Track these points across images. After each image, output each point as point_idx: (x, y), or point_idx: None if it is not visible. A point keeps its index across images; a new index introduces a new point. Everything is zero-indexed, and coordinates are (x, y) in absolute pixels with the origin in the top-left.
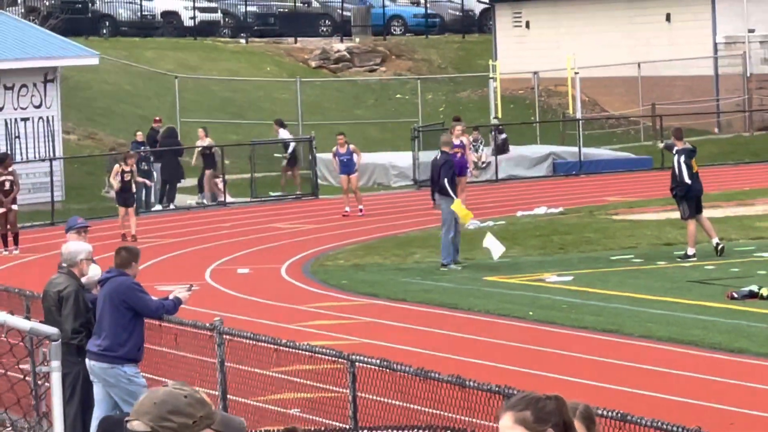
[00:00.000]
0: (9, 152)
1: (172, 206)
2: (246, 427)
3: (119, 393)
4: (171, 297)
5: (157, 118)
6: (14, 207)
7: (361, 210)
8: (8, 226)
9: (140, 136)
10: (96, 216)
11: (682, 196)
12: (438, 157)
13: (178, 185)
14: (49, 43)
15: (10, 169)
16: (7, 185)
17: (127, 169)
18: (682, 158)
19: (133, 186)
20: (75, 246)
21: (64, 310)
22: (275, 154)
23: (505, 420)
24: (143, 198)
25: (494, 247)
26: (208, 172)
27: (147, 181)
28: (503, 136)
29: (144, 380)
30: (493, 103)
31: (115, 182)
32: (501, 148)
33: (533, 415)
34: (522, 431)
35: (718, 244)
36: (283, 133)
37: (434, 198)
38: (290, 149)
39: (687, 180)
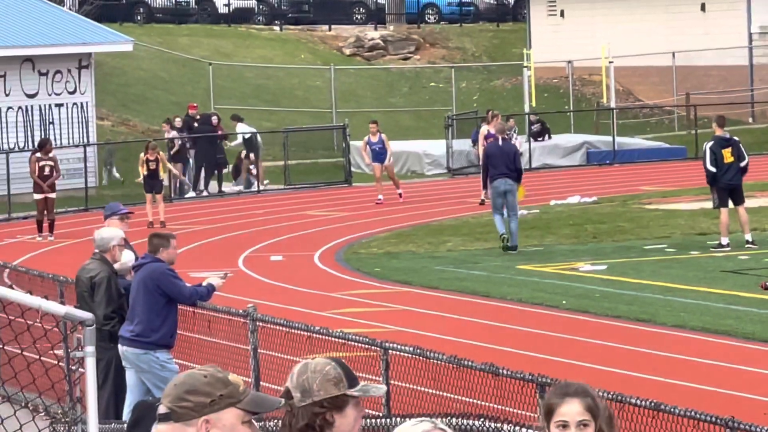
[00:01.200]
0: (46, 137)
1: (205, 193)
2: (281, 406)
3: (151, 379)
4: (205, 284)
5: (193, 105)
6: (52, 195)
7: (400, 195)
8: (45, 212)
9: (178, 122)
10: (130, 202)
11: (711, 184)
12: (503, 144)
13: (224, 171)
14: (84, 29)
15: (50, 154)
16: (47, 170)
17: (152, 158)
18: (710, 145)
19: (161, 173)
20: (108, 232)
21: (96, 296)
22: (228, 144)
23: (573, 406)
24: (177, 185)
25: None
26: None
27: (173, 169)
28: (538, 125)
29: (176, 366)
30: (527, 92)
31: (142, 170)
32: (537, 136)
33: (594, 402)
34: (590, 418)
35: (748, 241)
36: (241, 127)
37: (491, 183)
38: (239, 140)
39: (709, 167)
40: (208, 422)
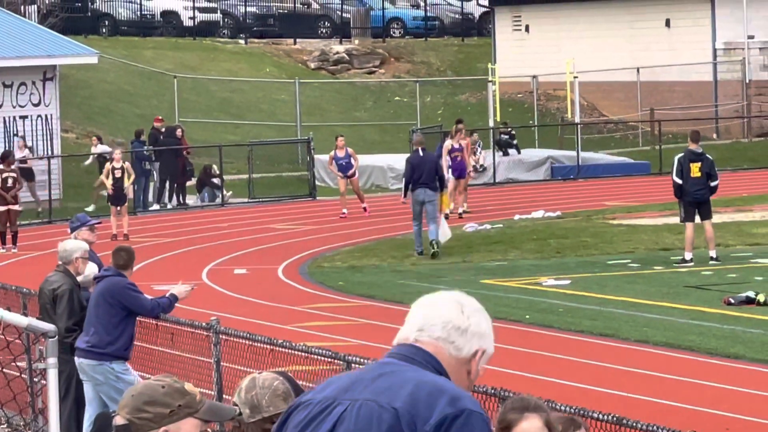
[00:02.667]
0: (8, 150)
1: (169, 206)
2: (237, 415)
3: (107, 391)
4: (168, 294)
5: (159, 118)
6: (17, 207)
7: (365, 209)
8: (8, 224)
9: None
10: (93, 214)
11: (678, 197)
12: (424, 155)
13: (188, 184)
14: (49, 41)
15: (12, 166)
16: (10, 182)
17: (117, 165)
18: (679, 156)
19: (125, 184)
20: (71, 244)
21: (58, 308)
22: (83, 163)
23: (534, 422)
24: (141, 198)
25: (444, 231)
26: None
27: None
28: (508, 136)
29: (134, 377)
30: (492, 106)
31: (108, 181)
32: (507, 146)
33: (549, 417)
34: None
35: (712, 257)
36: (101, 148)
37: (412, 192)
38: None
39: (675, 178)
40: None
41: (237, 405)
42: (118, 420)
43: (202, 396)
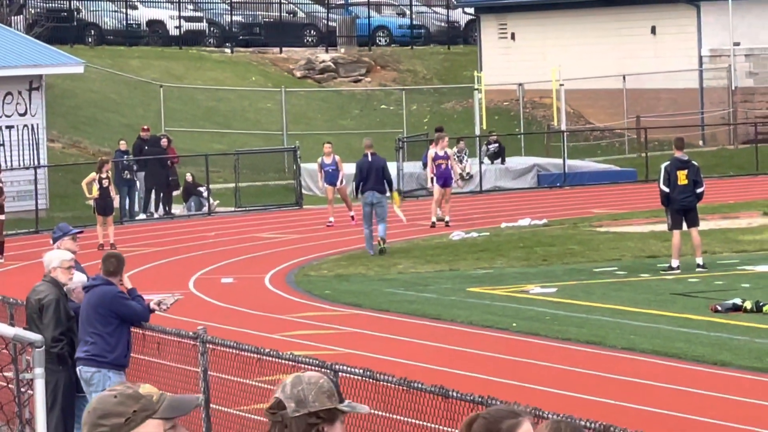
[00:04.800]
0: None
1: (155, 215)
2: (200, 403)
3: None
4: (152, 305)
5: (145, 127)
6: (1, 216)
7: (352, 217)
8: None
9: (123, 145)
10: (80, 224)
11: (665, 205)
12: (372, 159)
13: (174, 194)
14: (35, 51)
15: None
16: None
17: (104, 176)
18: (665, 165)
19: (112, 193)
20: (49, 254)
21: (45, 318)
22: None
23: (528, 426)
24: (127, 207)
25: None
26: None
27: (113, 193)
28: (496, 145)
29: None
30: (478, 114)
31: (94, 190)
32: (494, 157)
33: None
34: None
35: (699, 265)
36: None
37: (361, 194)
38: None
39: (662, 187)
40: None
41: (281, 400)
42: None
43: (162, 394)
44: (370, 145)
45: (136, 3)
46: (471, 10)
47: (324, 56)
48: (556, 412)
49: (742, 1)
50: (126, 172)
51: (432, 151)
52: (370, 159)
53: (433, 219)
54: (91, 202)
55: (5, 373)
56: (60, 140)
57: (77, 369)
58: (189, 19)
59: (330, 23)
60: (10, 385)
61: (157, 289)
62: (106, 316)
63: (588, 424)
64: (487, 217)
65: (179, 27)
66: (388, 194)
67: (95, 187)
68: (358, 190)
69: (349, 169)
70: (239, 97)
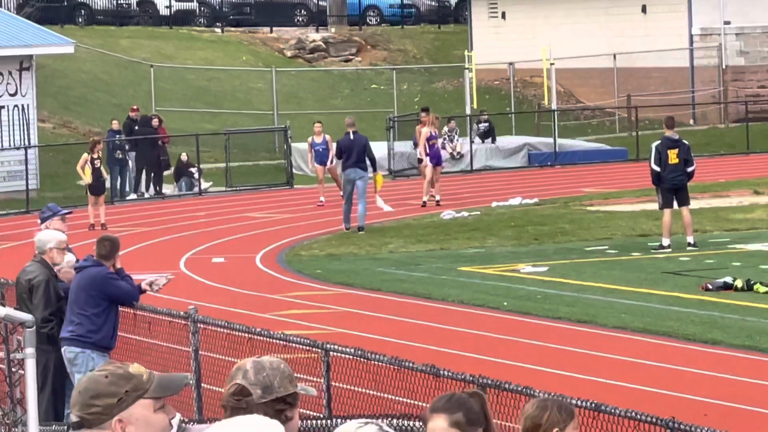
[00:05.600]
0: None
1: (146, 195)
2: (189, 382)
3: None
4: (143, 285)
5: (135, 107)
6: None
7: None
8: None
9: (116, 125)
10: (71, 204)
11: (656, 184)
12: (354, 137)
13: (165, 173)
14: (25, 31)
15: None
16: None
17: (96, 156)
18: (656, 144)
19: (103, 173)
20: (45, 235)
21: (35, 298)
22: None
23: (438, 422)
24: (118, 187)
25: (383, 205)
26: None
27: (105, 174)
28: (486, 124)
29: None
30: (469, 93)
31: (87, 171)
32: (485, 136)
33: (465, 416)
34: None
35: (689, 244)
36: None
37: (343, 172)
38: None
39: (653, 166)
40: (121, 421)
41: (244, 386)
42: (72, 418)
43: (151, 373)
44: (351, 123)
45: None
46: None
47: (314, 36)
48: (547, 391)
49: None
50: (118, 151)
51: (426, 130)
52: (351, 137)
53: (424, 198)
54: (83, 183)
55: None
56: (50, 120)
57: (61, 349)
58: None
59: (320, 3)
60: (0, 365)
61: (148, 268)
62: (96, 298)
63: (579, 403)
64: (478, 196)
65: (169, 7)
66: (370, 173)
67: (88, 169)
68: (341, 164)
69: None
70: (230, 77)
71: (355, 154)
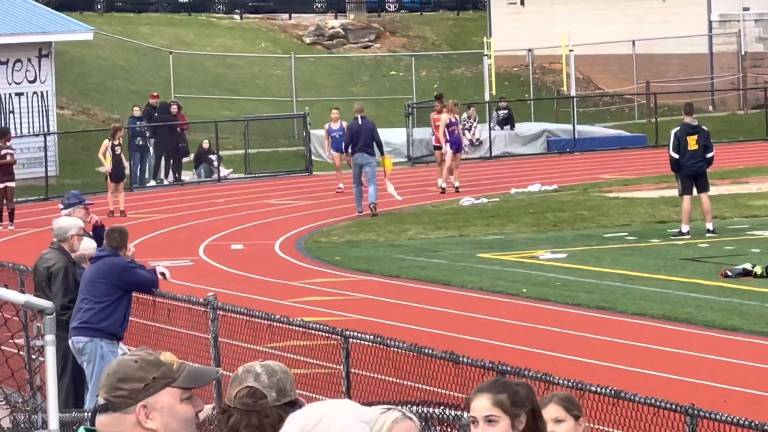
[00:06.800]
0: (5, 127)
1: (166, 182)
2: (220, 376)
3: (90, 370)
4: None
5: (155, 94)
6: (13, 184)
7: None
8: (5, 201)
9: (137, 111)
10: (90, 191)
11: (675, 171)
12: (363, 123)
13: (185, 160)
14: (44, 17)
15: (9, 143)
16: (8, 158)
17: (117, 143)
18: (675, 131)
19: (123, 160)
20: (66, 221)
21: (54, 286)
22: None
23: (482, 401)
24: (138, 173)
25: (394, 193)
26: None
27: (124, 161)
28: (505, 111)
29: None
30: (488, 80)
31: (108, 158)
32: (504, 123)
33: (509, 398)
34: (499, 413)
35: (709, 230)
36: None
37: (352, 156)
38: None
39: (672, 153)
40: (146, 407)
41: (258, 389)
42: (99, 400)
43: (182, 364)
44: (360, 109)
45: None
46: None
47: (333, 22)
48: (566, 378)
49: None
50: (139, 138)
51: (445, 116)
52: (360, 122)
53: (443, 185)
54: (104, 170)
55: (16, 340)
56: (69, 107)
57: (69, 341)
58: None
59: None
60: (21, 352)
61: (167, 255)
62: (111, 286)
63: (598, 390)
64: (496, 182)
65: None
66: (378, 157)
67: (108, 156)
68: (346, 149)
69: None
70: (248, 64)
71: (363, 139)
